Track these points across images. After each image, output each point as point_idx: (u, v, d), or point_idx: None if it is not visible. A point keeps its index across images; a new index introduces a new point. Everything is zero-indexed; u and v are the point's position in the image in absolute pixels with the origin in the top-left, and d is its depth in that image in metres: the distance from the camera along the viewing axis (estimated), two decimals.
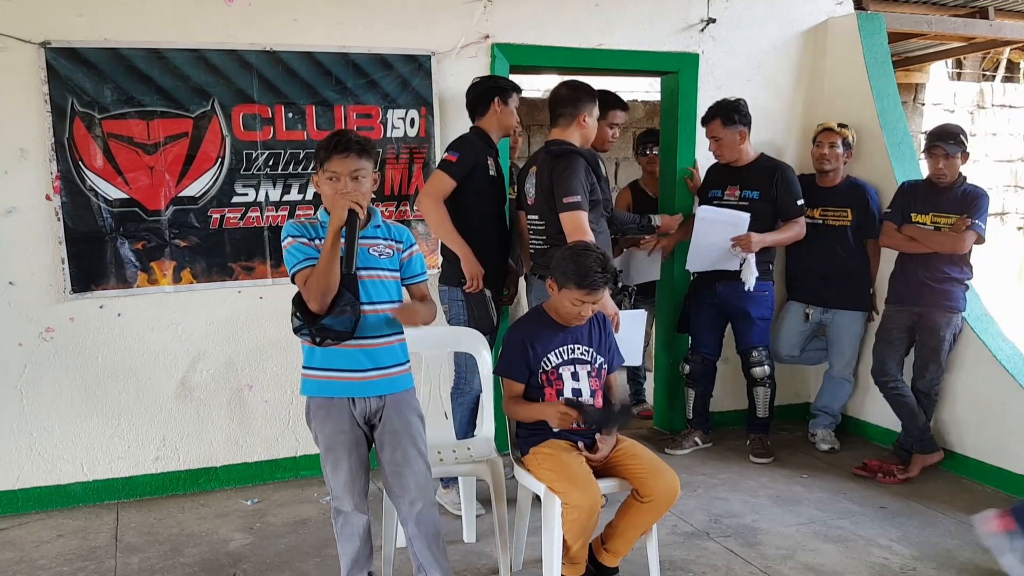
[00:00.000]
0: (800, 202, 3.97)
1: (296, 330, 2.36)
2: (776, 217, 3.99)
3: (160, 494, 3.70)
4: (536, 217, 3.46)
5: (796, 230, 3.98)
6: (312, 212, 3.72)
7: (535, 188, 3.43)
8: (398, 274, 2.47)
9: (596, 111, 3.42)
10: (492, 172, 3.47)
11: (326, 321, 2.29)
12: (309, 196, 3.72)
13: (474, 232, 3.39)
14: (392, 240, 2.47)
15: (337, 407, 2.41)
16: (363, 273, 2.37)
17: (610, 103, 3.94)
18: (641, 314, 3.51)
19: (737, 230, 3.85)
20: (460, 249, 3.36)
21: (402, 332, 2.49)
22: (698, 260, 4.02)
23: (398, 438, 2.45)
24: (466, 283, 3.39)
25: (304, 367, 2.45)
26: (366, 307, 2.37)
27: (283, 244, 2.39)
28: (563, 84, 3.42)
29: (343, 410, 2.41)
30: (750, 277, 3.86)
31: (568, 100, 3.36)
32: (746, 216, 3.86)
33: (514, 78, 3.71)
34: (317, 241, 2.35)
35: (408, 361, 2.52)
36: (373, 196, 2.57)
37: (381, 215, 2.52)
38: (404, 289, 2.51)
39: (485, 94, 3.48)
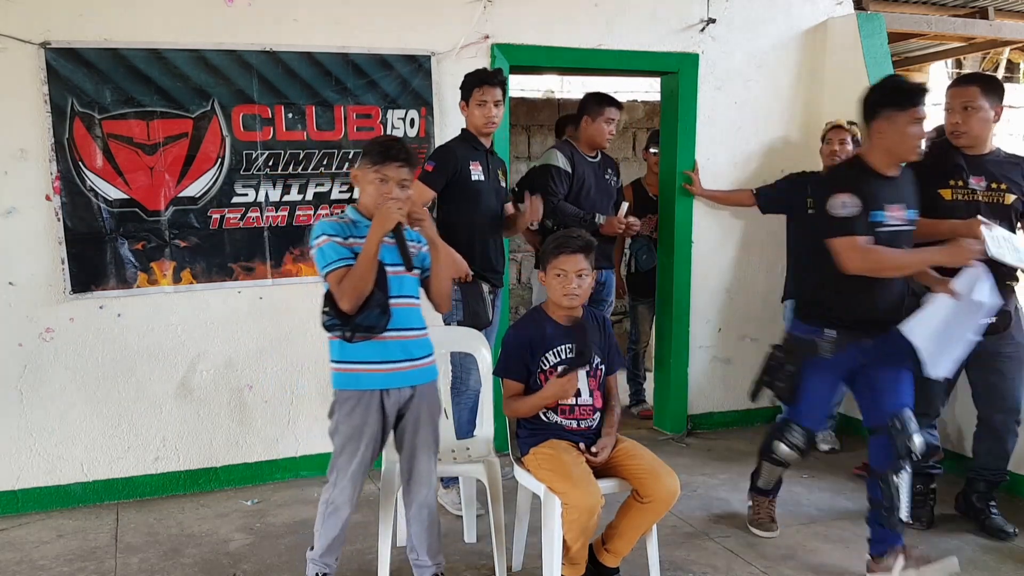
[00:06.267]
0: None
1: (327, 327, 2.41)
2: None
3: (160, 494, 3.69)
4: None
5: None
6: (312, 212, 3.73)
7: None
8: (419, 271, 2.58)
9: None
10: (477, 177, 3.37)
11: (360, 319, 2.36)
12: (309, 196, 3.72)
13: (461, 242, 3.31)
14: (415, 241, 2.58)
15: (368, 400, 2.46)
16: (391, 270, 2.44)
17: (605, 101, 4.09)
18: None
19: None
20: None
21: (426, 327, 2.58)
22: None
23: (422, 424, 2.55)
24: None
25: (334, 361, 2.50)
26: (397, 300, 2.44)
27: (316, 241, 2.42)
28: None
29: (374, 403, 2.46)
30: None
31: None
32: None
33: (514, 78, 3.64)
34: (351, 240, 2.41)
35: (433, 353, 2.61)
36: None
37: None
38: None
39: (461, 93, 3.39)
